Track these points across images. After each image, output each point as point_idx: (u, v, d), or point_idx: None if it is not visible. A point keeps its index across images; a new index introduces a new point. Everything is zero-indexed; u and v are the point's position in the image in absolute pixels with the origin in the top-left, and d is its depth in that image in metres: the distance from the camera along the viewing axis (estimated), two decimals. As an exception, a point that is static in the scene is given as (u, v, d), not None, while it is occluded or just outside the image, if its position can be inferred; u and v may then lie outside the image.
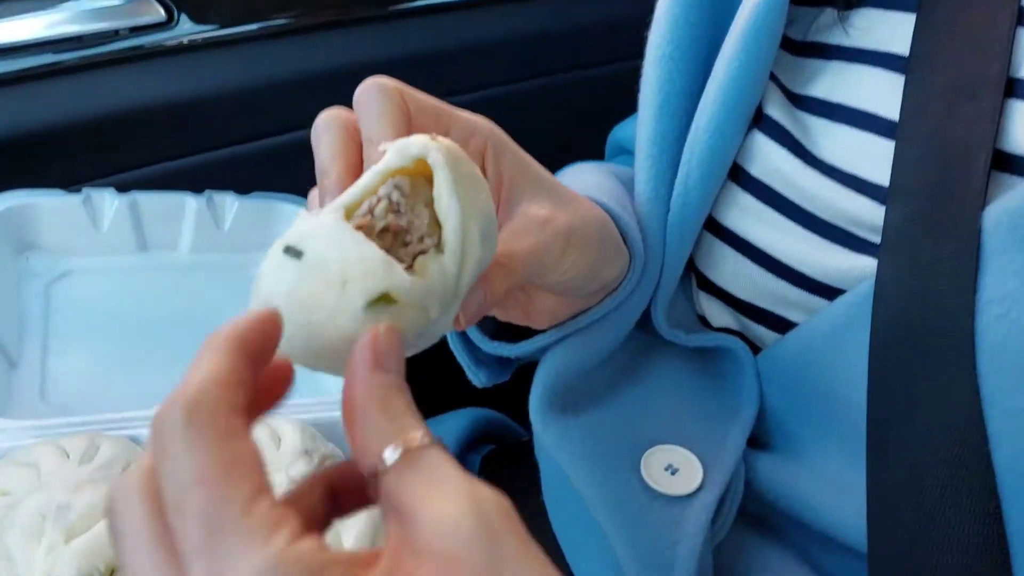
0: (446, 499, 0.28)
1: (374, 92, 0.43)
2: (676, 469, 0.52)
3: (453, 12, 0.99)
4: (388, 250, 0.35)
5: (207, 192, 0.86)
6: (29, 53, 0.85)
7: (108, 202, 0.83)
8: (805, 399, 0.55)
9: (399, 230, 0.36)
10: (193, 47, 0.88)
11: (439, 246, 0.37)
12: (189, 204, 0.85)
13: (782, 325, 0.58)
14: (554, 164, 0.84)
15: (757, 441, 0.58)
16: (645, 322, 0.62)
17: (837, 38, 0.58)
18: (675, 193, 0.58)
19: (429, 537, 0.28)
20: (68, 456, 0.57)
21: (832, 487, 0.52)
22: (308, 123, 0.94)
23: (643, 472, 0.52)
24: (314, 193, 0.45)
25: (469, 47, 0.98)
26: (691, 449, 0.54)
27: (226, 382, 0.29)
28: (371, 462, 0.30)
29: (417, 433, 0.30)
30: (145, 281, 0.83)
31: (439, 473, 0.29)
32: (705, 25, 0.62)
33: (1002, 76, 0.50)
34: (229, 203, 0.86)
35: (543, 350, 0.57)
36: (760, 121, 0.59)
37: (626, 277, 0.55)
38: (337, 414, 0.69)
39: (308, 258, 0.34)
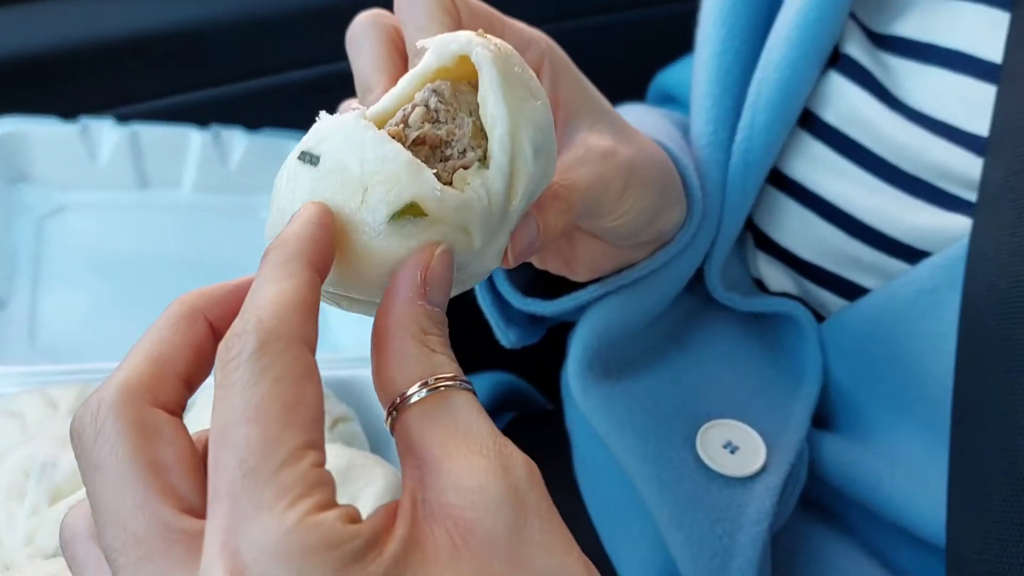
0: (472, 454, 0.26)
1: None
2: (736, 447, 0.47)
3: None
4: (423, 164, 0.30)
5: (213, 126, 0.80)
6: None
7: (107, 133, 0.76)
8: (877, 373, 0.50)
9: (437, 142, 0.31)
10: (203, -32, 0.81)
11: (484, 161, 0.31)
12: (193, 139, 0.79)
13: (851, 290, 0.52)
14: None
15: (819, 420, 0.53)
16: (695, 284, 0.56)
17: None
18: (738, 138, 0.52)
19: (450, 496, 0.25)
20: (56, 407, 0.52)
21: (905, 472, 0.47)
22: (325, 58, 0.88)
23: (699, 449, 0.47)
24: (347, 104, 0.39)
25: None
26: (752, 425, 0.48)
27: (303, 310, 0.26)
28: (394, 393, 0.28)
29: (450, 373, 0.28)
30: (144, 220, 0.77)
31: (467, 422, 0.27)
32: None
33: None
34: (237, 139, 0.80)
35: (582, 309, 0.51)
36: (837, 61, 0.53)
37: (683, 228, 0.49)
38: (351, 373, 0.64)
39: (324, 162, 0.30)
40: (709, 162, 0.52)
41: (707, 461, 0.46)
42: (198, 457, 0.27)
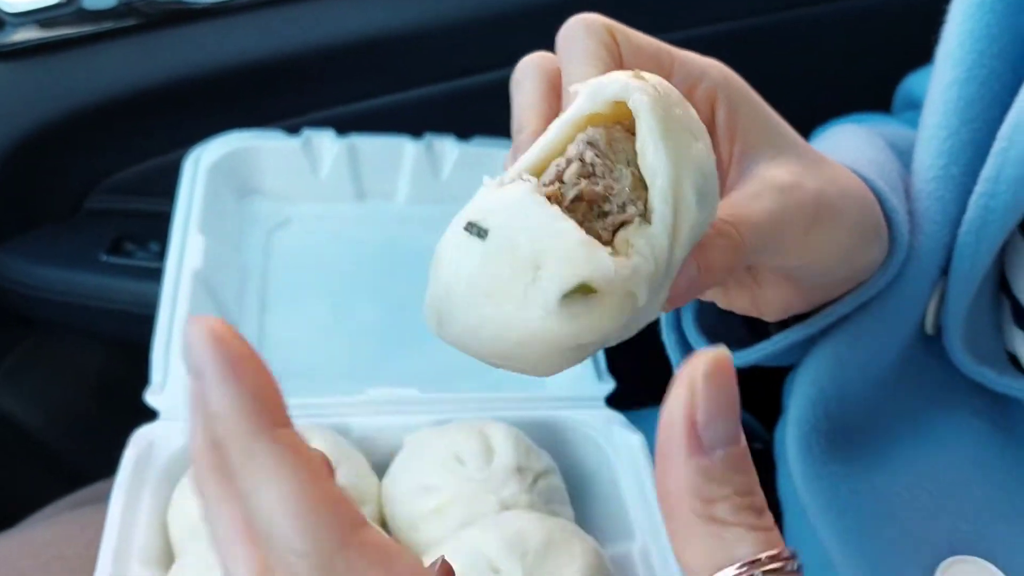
0: None
1: (578, 30, 0.36)
2: (982, 595, 0.41)
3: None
4: (582, 223, 0.29)
5: (426, 136, 0.80)
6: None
7: (328, 145, 0.78)
8: None
9: (595, 198, 0.30)
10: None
11: (645, 215, 0.30)
12: (407, 150, 0.79)
13: None
14: (819, 118, 0.71)
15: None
16: (935, 351, 0.50)
17: None
18: (978, 190, 0.46)
19: None
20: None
21: None
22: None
23: (940, 595, 0.42)
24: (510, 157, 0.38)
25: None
26: (999, 565, 0.42)
27: None
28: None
29: (751, 553, 0.23)
30: (362, 232, 0.78)
31: None
32: None
33: None
34: (449, 149, 0.79)
35: (773, 357, 0.48)
36: None
37: (882, 267, 0.45)
38: (551, 414, 0.63)
39: (493, 237, 0.29)
40: (932, 198, 0.47)
41: (947, 610, 0.41)
42: None
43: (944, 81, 0.48)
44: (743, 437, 0.24)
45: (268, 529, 0.22)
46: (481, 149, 0.80)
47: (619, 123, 0.31)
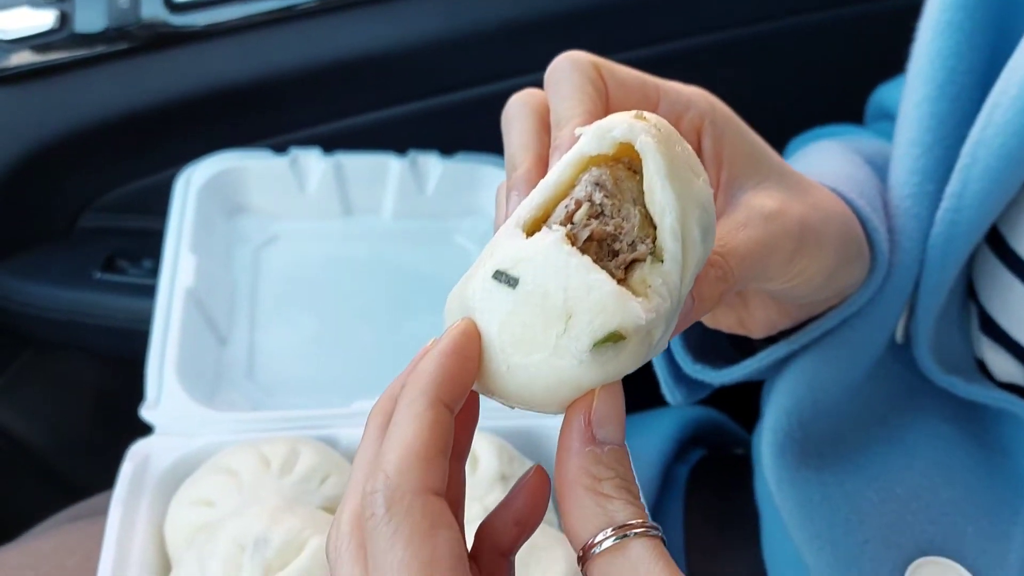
0: None
1: (565, 68, 0.37)
2: (946, 591, 0.43)
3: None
4: (597, 263, 0.30)
5: (411, 153, 0.82)
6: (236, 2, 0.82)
7: (314, 164, 0.80)
8: None
9: (606, 238, 0.30)
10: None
11: (655, 252, 0.31)
12: (392, 167, 0.81)
13: (1093, 400, 0.46)
14: (796, 127, 0.73)
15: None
16: (905, 359, 0.52)
17: None
18: (944, 206, 0.47)
19: None
20: (269, 464, 0.56)
21: None
22: (520, 71, 0.88)
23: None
24: (503, 189, 0.39)
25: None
26: (966, 564, 0.44)
27: (426, 458, 0.28)
28: (578, 545, 0.29)
29: (626, 519, 0.28)
30: (348, 248, 0.80)
31: (647, 572, 0.27)
32: None
33: None
34: (433, 165, 0.82)
35: (759, 372, 0.49)
36: None
37: (863, 284, 0.46)
38: (539, 422, 0.64)
39: (524, 286, 0.29)
40: (909, 215, 0.48)
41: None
42: None
43: (915, 98, 0.50)
44: (624, 440, 0.30)
45: None
46: (464, 165, 0.82)
47: (619, 162, 0.31)
